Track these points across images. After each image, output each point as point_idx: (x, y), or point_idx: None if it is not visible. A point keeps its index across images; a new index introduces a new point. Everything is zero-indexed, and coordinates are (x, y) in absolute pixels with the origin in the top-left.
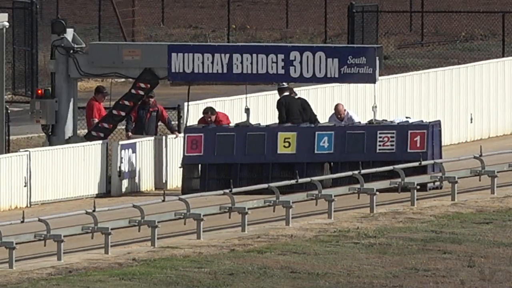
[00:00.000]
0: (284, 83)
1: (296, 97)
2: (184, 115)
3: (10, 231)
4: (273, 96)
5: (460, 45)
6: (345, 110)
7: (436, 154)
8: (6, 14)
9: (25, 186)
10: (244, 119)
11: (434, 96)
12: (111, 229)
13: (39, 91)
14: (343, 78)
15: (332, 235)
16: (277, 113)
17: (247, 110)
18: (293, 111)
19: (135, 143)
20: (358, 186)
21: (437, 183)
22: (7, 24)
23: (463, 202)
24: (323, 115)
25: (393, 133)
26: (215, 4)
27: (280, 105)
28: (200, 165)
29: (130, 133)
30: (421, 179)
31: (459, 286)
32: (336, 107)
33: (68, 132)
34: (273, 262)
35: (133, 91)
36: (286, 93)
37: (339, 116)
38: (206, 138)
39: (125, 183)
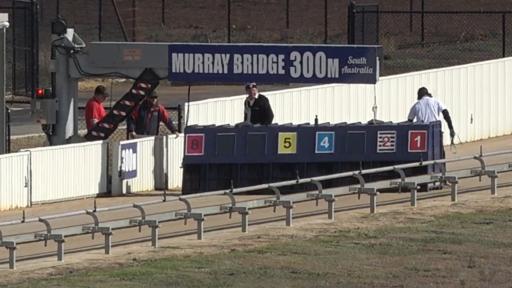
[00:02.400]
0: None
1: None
2: (184, 115)
3: (10, 231)
4: (273, 96)
5: (460, 45)
6: None
7: (437, 154)
8: (6, 14)
9: (25, 186)
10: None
11: (434, 96)
12: (112, 229)
13: (40, 91)
14: (343, 78)
15: (333, 235)
16: (275, 113)
17: (247, 110)
18: None
19: (135, 143)
20: (358, 186)
21: (438, 183)
22: (7, 24)
23: (463, 202)
24: (323, 115)
25: (393, 133)
26: (216, 4)
27: (268, 103)
28: (200, 165)
29: (134, 133)
30: (422, 179)
31: (459, 286)
32: None
33: (69, 132)
34: (274, 262)
35: (133, 91)
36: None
37: None
38: (207, 138)
39: (125, 183)
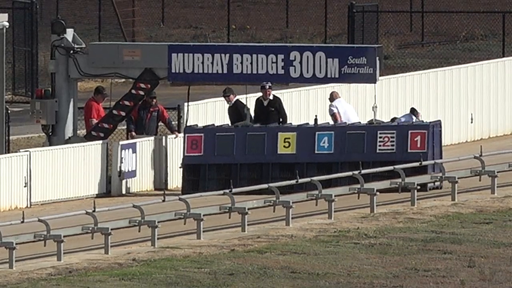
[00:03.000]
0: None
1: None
2: (184, 115)
3: (10, 231)
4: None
5: (460, 45)
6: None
7: (437, 154)
8: (6, 14)
9: (25, 186)
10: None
11: (435, 96)
12: (111, 229)
13: (39, 91)
14: (343, 78)
15: (332, 235)
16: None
17: (247, 111)
18: None
19: (135, 143)
20: (358, 186)
21: (437, 183)
22: (7, 24)
23: (463, 202)
24: (323, 116)
25: (393, 133)
26: (215, 4)
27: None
28: (200, 165)
29: (134, 133)
30: (421, 179)
31: (459, 286)
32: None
33: (68, 132)
34: (273, 262)
35: (133, 91)
36: None
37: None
38: (206, 138)
39: (125, 183)
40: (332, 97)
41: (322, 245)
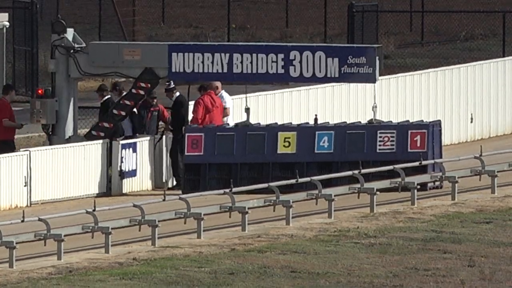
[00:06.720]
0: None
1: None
2: None
3: (10, 230)
4: (273, 96)
5: (460, 44)
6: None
7: (436, 154)
8: (6, 14)
9: (25, 185)
10: (244, 119)
11: (434, 96)
12: (112, 228)
13: (40, 91)
14: (343, 78)
15: (332, 235)
16: (275, 113)
17: (247, 110)
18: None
19: (135, 142)
20: (358, 185)
21: (437, 183)
22: (7, 24)
23: (463, 201)
24: (323, 115)
25: (393, 132)
26: (215, 3)
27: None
28: (200, 165)
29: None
30: (421, 178)
31: (459, 285)
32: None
33: (69, 131)
34: (273, 262)
35: (133, 90)
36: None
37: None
38: (207, 138)
39: (125, 182)
40: (218, 89)
41: (322, 244)
